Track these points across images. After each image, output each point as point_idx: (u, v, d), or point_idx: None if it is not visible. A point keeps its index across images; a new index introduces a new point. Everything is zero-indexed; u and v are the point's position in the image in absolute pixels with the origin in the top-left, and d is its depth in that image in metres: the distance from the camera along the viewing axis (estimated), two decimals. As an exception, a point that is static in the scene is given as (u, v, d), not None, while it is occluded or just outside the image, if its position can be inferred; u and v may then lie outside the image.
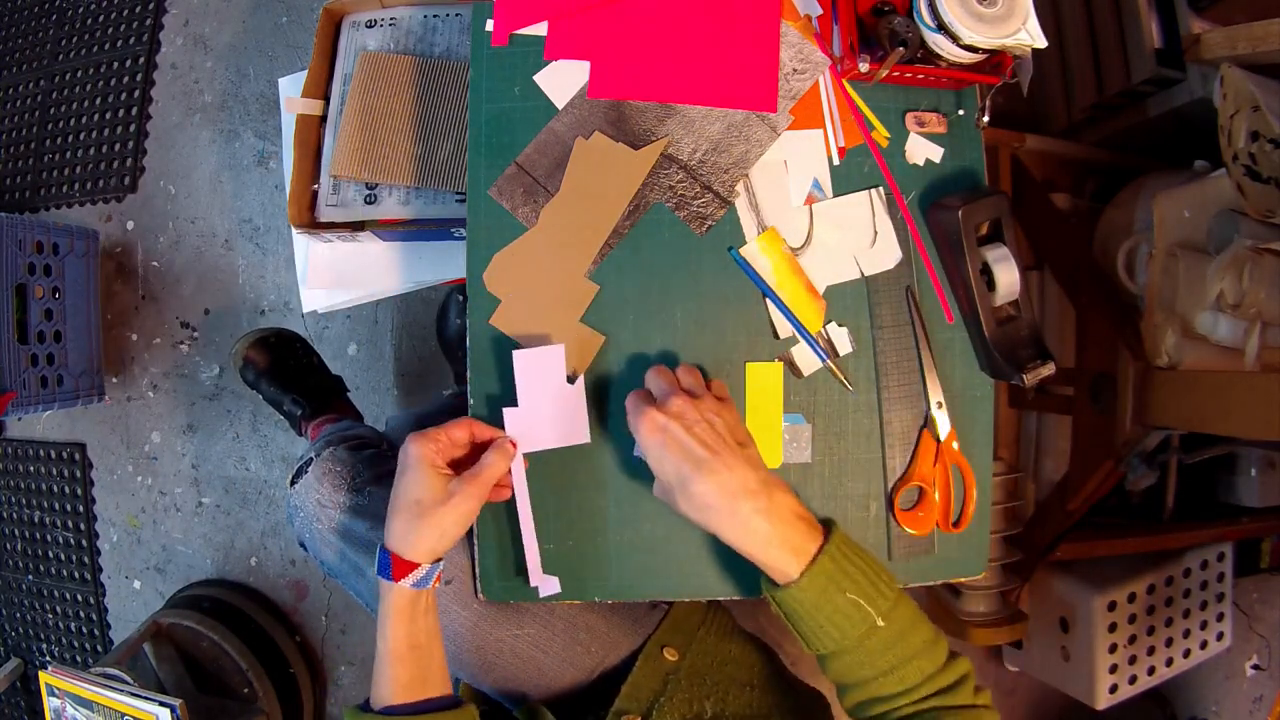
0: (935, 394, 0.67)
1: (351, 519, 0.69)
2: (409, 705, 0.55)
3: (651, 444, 0.54)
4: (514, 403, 0.63)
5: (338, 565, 0.69)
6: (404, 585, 0.54)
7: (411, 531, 0.54)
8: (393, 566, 0.54)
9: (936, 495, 0.66)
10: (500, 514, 0.66)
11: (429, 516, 0.54)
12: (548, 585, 0.65)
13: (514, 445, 0.61)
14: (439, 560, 0.56)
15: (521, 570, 0.65)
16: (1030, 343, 0.66)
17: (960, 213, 0.63)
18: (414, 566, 0.54)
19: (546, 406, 0.63)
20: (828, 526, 0.56)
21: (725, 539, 0.54)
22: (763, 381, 0.66)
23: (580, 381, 0.64)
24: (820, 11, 0.69)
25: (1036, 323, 0.66)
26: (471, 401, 0.66)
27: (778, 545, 0.53)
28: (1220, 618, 1.18)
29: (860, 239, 0.68)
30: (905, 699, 0.55)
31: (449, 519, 0.55)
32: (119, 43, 1.44)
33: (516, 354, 0.62)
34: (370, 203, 0.91)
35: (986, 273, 0.65)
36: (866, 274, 0.68)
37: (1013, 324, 0.66)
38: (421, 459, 0.55)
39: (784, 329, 0.66)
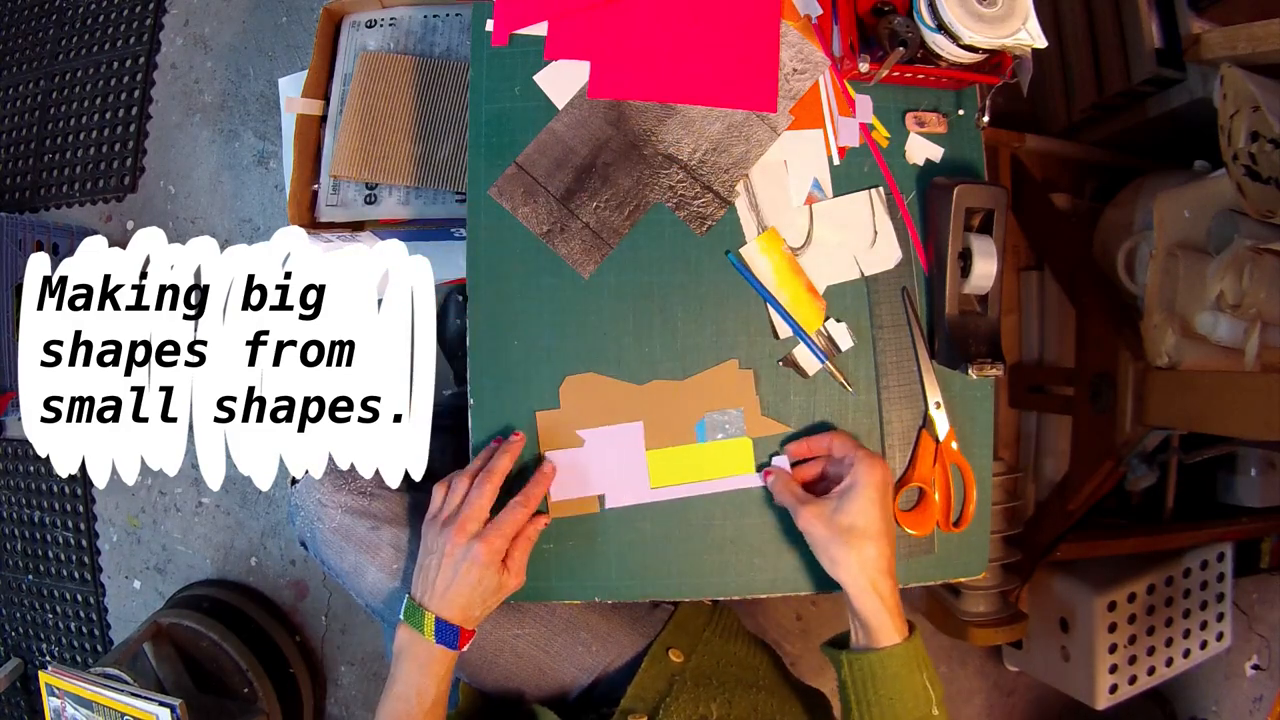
0: (933, 394, 0.67)
1: (352, 519, 0.69)
2: None
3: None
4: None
5: (338, 565, 0.69)
6: (460, 650, 0.61)
7: (474, 609, 0.60)
8: (460, 637, 0.60)
9: (936, 495, 0.66)
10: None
11: (491, 601, 0.61)
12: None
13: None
14: None
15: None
16: (986, 340, 0.66)
17: (955, 190, 0.64)
18: (472, 635, 0.61)
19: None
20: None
21: (849, 575, 0.59)
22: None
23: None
24: (820, 11, 0.69)
25: (997, 327, 0.67)
26: (472, 401, 0.66)
27: (892, 610, 0.59)
28: (1220, 618, 1.18)
29: (860, 239, 0.68)
30: None
31: (500, 598, 0.62)
32: (119, 43, 1.44)
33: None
34: (370, 203, 0.92)
35: (966, 258, 0.65)
36: (866, 274, 0.68)
37: (975, 317, 0.67)
38: (492, 563, 0.60)
39: (784, 329, 0.66)
